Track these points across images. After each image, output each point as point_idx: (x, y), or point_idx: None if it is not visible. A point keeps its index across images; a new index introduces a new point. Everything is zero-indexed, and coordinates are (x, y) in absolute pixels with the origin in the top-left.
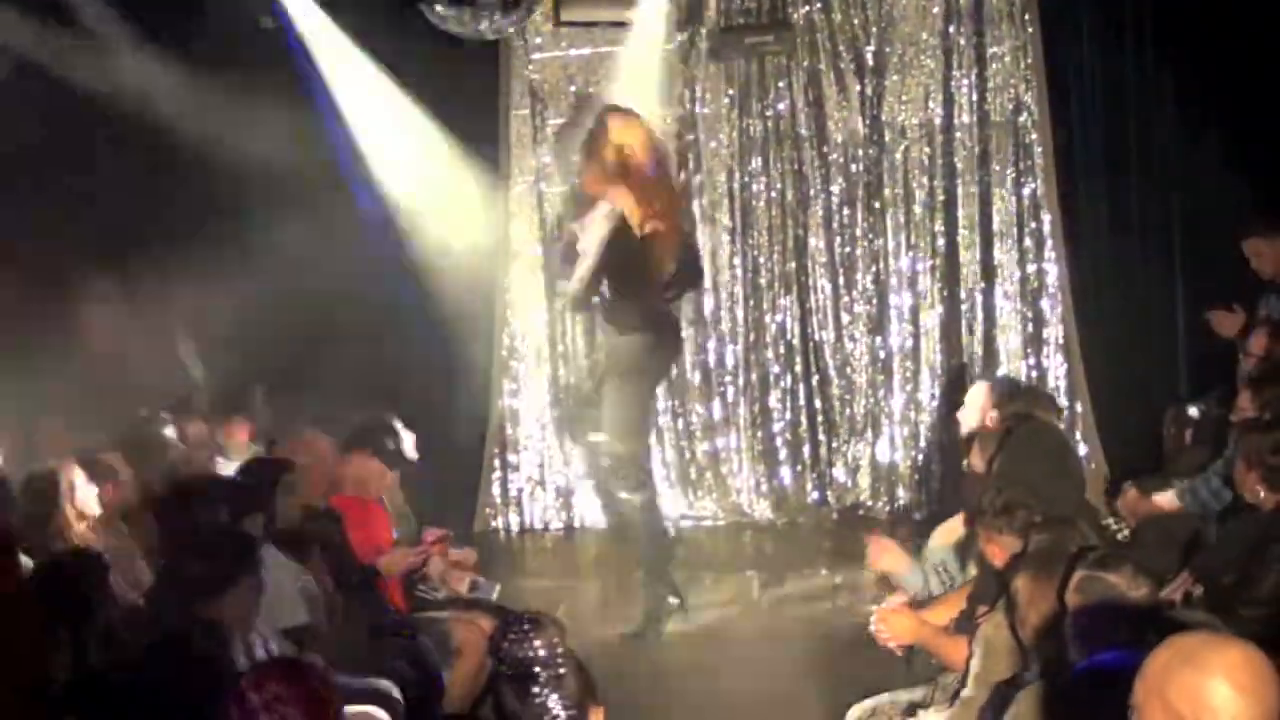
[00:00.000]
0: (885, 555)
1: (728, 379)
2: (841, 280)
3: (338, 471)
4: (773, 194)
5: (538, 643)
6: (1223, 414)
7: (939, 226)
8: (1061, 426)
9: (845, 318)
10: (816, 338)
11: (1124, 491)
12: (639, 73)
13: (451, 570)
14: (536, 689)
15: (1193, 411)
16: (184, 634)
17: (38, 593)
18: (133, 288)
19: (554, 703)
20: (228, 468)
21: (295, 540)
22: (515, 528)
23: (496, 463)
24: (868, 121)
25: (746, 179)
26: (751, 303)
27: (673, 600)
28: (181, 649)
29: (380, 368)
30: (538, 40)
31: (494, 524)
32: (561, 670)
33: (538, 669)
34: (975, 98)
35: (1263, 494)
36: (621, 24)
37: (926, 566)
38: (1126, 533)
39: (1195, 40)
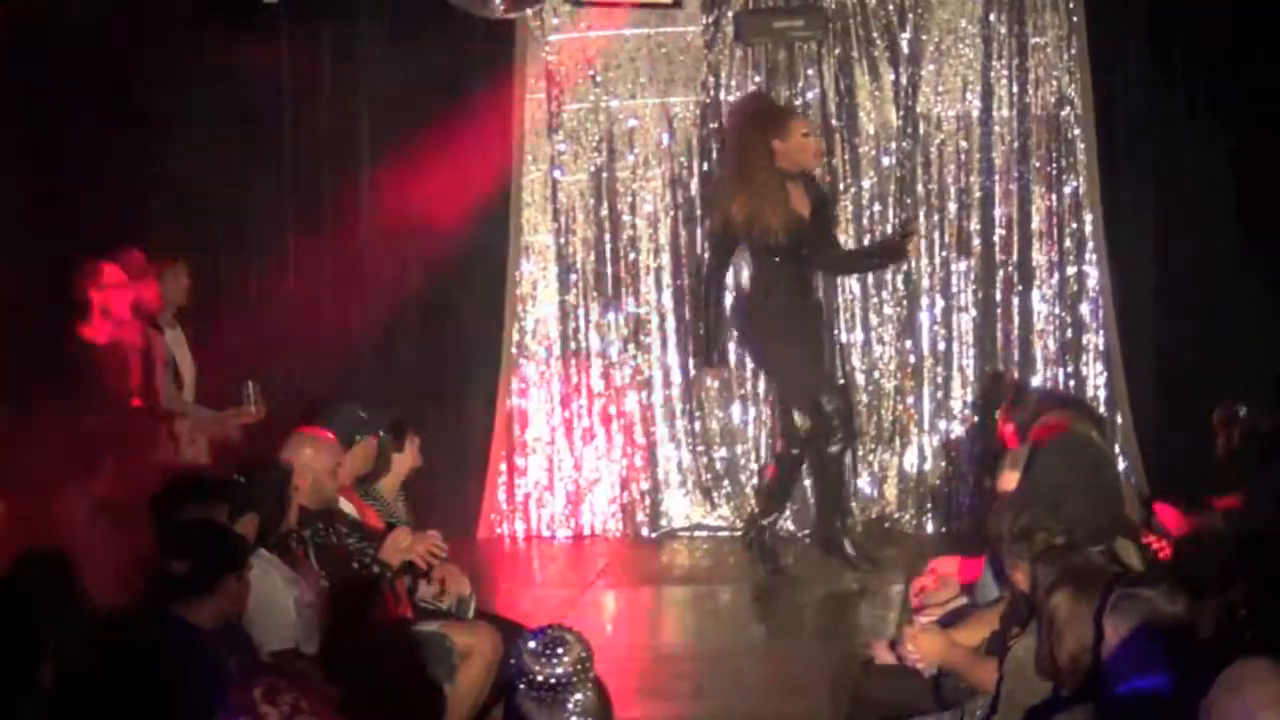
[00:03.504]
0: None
1: (748, 382)
2: (870, 280)
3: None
4: None
5: (566, 660)
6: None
7: (974, 225)
8: (1101, 439)
9: (874, 319)
10: (843, 340)
11: (1162, 508)
12: (660, 56)
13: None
14: (558, 710)
15: (1244, 412)
16: (166, 637)
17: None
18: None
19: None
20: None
21: (288, 546)
22: (522, 534)
23: (503, 466)
24: (901, 112)
25: None
26: None
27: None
28: (163, 652)
29: (381, 364)
30: (555, 21)
31: (499, 530)
32: (588, 691)
33: (562, 691)
34: (1015, 90)
35: None
36: (644, 4)
37: None
38: (1166, 551)
39: (1252, 33)
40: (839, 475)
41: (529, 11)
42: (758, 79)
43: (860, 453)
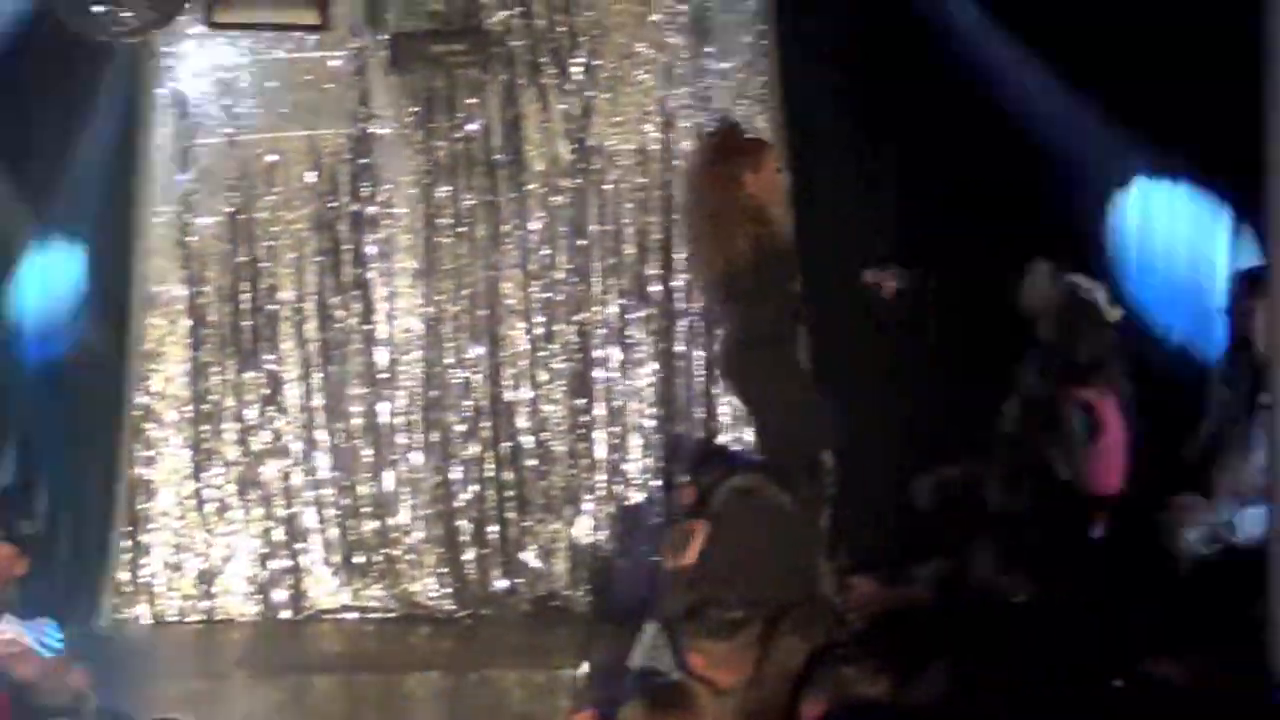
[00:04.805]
0: None
1: (400, 446)
2: (539, 331)
3: None
4: (460, 229)
5: None
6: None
7: (654, 270)
8: (792, 504)
9: (543, 375)
10: (508, 398)
11: (857, 582)
12: (305, 84)
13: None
14: None
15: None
16: None
17: None
18: None
19: None
20: None
21: None
22: (147, 619)
23: (126, 544)
24: (573, 146)
25: (430, 210)
26: (432, 356)
27: None
28: None
29: None
30: (185, 45)
31: (121, 615)
32: None
33: None
34: (698, 120)
35: None
36: (285, 26)
37: None
38: (860, 628)
39: (963, 58)
40: None
41: (155, 34)
42: (414, 109)
43: (527, 524)
